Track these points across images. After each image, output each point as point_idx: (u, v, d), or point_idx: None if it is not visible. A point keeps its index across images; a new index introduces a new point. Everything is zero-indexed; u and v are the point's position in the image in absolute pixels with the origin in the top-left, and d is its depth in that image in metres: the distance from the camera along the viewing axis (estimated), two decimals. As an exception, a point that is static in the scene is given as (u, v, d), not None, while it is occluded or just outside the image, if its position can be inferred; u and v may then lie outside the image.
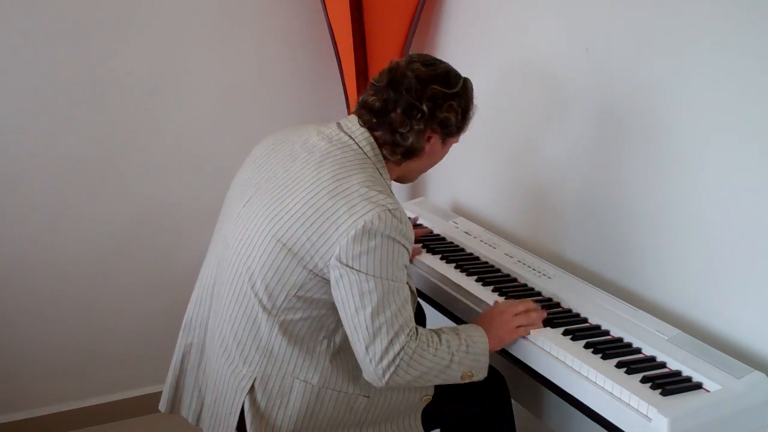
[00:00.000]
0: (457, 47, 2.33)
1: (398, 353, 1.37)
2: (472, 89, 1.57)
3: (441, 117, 1.49)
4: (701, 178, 1.55)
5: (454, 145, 1.63)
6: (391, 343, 1.37)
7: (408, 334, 1.39)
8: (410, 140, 1.48)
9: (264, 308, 1.44)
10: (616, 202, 1.78)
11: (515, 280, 1.79)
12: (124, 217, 2.43)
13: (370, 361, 1.38)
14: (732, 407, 1.31)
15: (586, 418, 1.40)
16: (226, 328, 1.51)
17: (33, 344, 2.40)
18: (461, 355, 1.45)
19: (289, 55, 2.50)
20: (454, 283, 1.78)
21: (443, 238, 2.07)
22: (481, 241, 2.01)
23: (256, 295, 1.44)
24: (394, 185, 1.59)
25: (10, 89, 2.20)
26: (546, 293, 1.71)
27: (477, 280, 1.78)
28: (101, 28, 2.25)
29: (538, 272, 1.80)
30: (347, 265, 1.36)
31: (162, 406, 1.71)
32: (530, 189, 2.08)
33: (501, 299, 1.67)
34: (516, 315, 1.54)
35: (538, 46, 2.00)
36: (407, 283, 1.45)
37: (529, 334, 1.53)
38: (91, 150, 2.33)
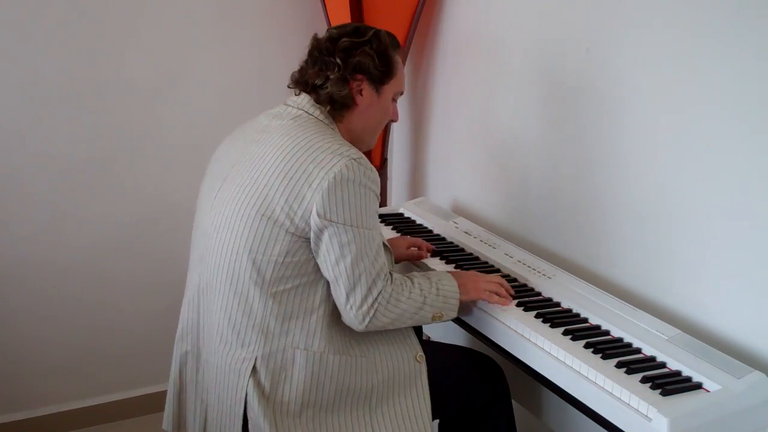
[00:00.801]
0: (457, 47, 2.34)
1: (376, 298, 1.47)
2: (387, 37, 1.61)
3: (354, 62, 1.55)
4: (704, 176, 1.56)
5: (401, 104, 1.70)
6: (369, 289, 1.46)
7: (384, 279, 1.48)
8: (329, 89, 1.55)
9: (255, 284, 1.46)
10: (616, 202, 1.78)
11: (515, 280, 1.79)
12: (125, 217, 2.43)
13: (351, 307, 1.46)
14: (732, 407, 1.31)
15: (585, 416, 1.40)
16: (219, 317, 1.52)
17: (33, 344, 2.40)
18: (432, 297, 1.55)
19: (289, 56, 2.48)
20: (454, 283, 1.78)
21: (443, 238, 2.07)
22: (481, 241, 2.01)
23: (244, 272, 1.47)
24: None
25: (11, 89, 2.20)
26: (546, 293, 1.71)
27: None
28: (102, 29, 2.26)
29: (538, 272, 1.80)
30: (326, 218, 1.42)
31: (166, 425, 1.70)
32: (530, 189, 2.09)
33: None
34: (488, 281, 1.66)
35: (538, 47, 2.00)
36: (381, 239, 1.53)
37: (490, 299, 1.63)
38: (92, 150, 2.33)
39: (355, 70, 1.55)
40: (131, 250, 2.46)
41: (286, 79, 1.63)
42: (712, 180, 1.53)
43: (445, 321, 1.61)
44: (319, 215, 1.42)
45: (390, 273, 1.52)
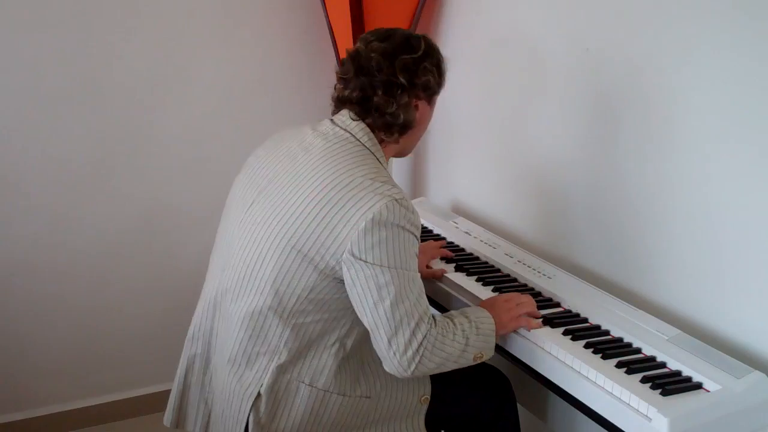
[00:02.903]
0: (457, 48, 2.33)
1: (421, 343, 1.38)
2: (433, 43, 1.55)
3: (421, 82, 1.48)
4: (703, 177, 1.55)
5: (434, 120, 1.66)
6: (413, 333, 1.37)
7: (428, 323, 1.40)
8: (402, 117, 1.48)
9: (275, 312, 1.42)
10: (616, 201, 1.78)
11: (515, 280, 1.79)
12: (124, 218, 2.43)
13: (395, 353, 1.37)
14: (732, 407, 1.31)
15: (590, 419, 1.40)
16: (232, 336, 1.49)
17: (33, 344, 2.40)
18: (473, 338, 1.46)
19: (290, 56, 2.50)
20: (455, 283, 1.78)
21: (443, 238, 2.07)
22: (481, 241, 2.01)
23: (265, 300, 1.42)
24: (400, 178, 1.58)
25: (10, 89, 2.20)
26: (546, 293, 1.71)
27: (477, 280, 1.78)
28: (102, 29, 2.25)
29: (538, 272, 1.80)
30: (361, 259, 1.35)
31: (167, 420, 1.67)
32: (530, 189, 2.08)
33: None
34: (519, 304, 1.57)
35: (538, 47, 2.00)
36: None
37: (529, 324, 1.54)
38: (92, 151, 2.33)
39: (421, 90, 1.49)
40: (131, 252, 2.46)
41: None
42: (713, 181, 1.53)
43: (484, 360, 1.52)
44: (354, 255, 1.35)
45: (432, 316, 1.44)
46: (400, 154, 1.63)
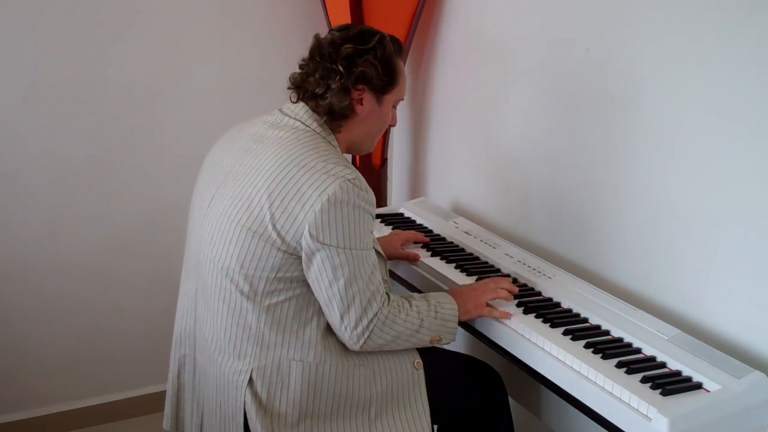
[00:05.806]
0: (457, 47, 2.34)
1: (371, 319, 1.46)
2: (392, 43, 1.56)
3: (357, 72, 1.50)
4: (703, 176, 1.56)
5: (400, 104, 1.67)
6: (364, 310, 1.45)
7: (380, 301, 1.47)
8: (329, 100, 1.50)
9: (247, 298, 1.45)
10: (617, 201, 1.78)
11: (515, 280, 1.79)
12: (125, 217, 2.43)
13: (345, 328, 1.45)
14: (732, 407, 1.31)
15: (585, 417, 1.40)
16: (215, 328, 1.51)
17: (33, 344, 2.40)
18: (430, 321, 1.54)
19: (289, 56, 2.48)
20: (455, 283, 1.78)
21: (443, 238, 2.07)
22: (481, 241, 2.01)
23: (237, 287, 1.46)
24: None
25: (11, 89, 2.20)
26: (546, 293, 1.71)
27: (477, 280, 1.78)
28: (102, 29, 2.26)
29: (538, 272, 1.80)
30: (318, 240, 1.40)
31: (165, 424, 1.70)
32: (531, 189, 2.09)
33: None
34: (484, 292, 1.63)
35: (539, 47, 2.00)
36: (374, 248, 1.51)
37: (494, 315, 1.60)
38: (92, 150, 2.33)
39: (357, 80, 1.50)
40: (131, 250, 2.46)
41: (286, 80, 1.61)
42: (712, 181, 1.53)
43: (444, 344, 1.59)
44: (311, 236, 1.39)
45: (387, 294, 1.51)
46: (352, 148, 1.63)
